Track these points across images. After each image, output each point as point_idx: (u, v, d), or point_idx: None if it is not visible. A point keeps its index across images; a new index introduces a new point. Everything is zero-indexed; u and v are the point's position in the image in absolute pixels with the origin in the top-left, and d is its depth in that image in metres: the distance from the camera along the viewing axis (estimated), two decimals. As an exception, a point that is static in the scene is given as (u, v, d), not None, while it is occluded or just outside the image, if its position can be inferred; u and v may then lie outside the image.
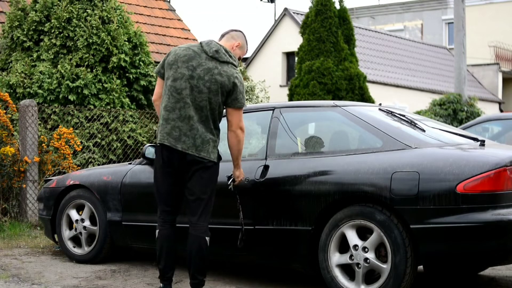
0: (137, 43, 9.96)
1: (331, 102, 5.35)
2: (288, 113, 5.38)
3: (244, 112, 5.67)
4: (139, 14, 14.20)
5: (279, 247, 5.05)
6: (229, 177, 4.98)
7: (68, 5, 9.60)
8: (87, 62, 9.47)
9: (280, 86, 24.29)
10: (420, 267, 5.10)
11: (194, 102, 4.65)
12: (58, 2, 9.68)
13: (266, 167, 5.13)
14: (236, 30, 5.03)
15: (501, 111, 28.72)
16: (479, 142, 4.88)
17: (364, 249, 4.64)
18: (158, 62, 12.58)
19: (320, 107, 5.50)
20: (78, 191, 6.24)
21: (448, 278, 5.73)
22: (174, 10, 15.58)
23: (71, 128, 8.81)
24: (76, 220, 6.20)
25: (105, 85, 9.44)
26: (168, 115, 4.68)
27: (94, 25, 9.52)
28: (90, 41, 9.46)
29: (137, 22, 12.74)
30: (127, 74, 9.77)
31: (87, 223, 6.15)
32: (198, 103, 4.65)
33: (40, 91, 9.20)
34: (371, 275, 4.69)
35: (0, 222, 7.94)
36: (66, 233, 6.28)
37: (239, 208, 5.01)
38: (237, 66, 4.81)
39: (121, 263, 6.09)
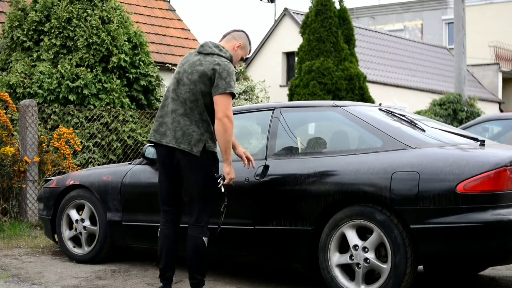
0: (137, 43, 9.97)
1: (331, 102, 5.35)
2: (288, 113, 5.38)
3: (244, 112, 5.71)
4: (139, 14, 14.20)
5: (279, 247, 5.05)
6: (218, 176, 4.77)
7: (68, 5, 9.60)
8: (87, 62, 9.47)
9: (280, 86, 24.29)
10: (420, 267, 5.10)
11: (179, 95, 4.71)
12: (58, 2, 9.68)
13: (266, 167, 5.13)
14: (238, 31, 5.02)
15: (501, 111, 28.72)
16: (479, 142, 4.88)
17: (364, 249, 4.64)
18: (158, 62, 12.62)
19: (320, 107, 5.50)
20: (78, 191, 6.24)
21: (448, 278, 5.73)
22: (174, 10, 15.58)
23: (71, 128, 8.81)
24: (76, 220, 6.20)
25: (105, 85, 9.44)
26: (158, 113, 4.84)
27: (94, 25, 9.52)
28: (90, 41, 9.46)
29: (137, 22, 12.75)
30: (127, 74, 9.77)
31: (87, 223, 6.15)
32: (182, 96, 4.69)
33: (40, 91, 9.20)
34: (371, 275, 4.69)
35: (0, 222, 7.94)
36: (66, 233, 6.28)
37: (223, 210, 4.82)
38: (224, 57, 4.75)
39: (121, 263, 6.09)
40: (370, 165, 4.70)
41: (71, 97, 9.25)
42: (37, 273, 5.65)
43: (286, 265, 5.32)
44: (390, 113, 5.27)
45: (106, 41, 9.50)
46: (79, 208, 6.25)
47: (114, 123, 9.38)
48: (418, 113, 16.38)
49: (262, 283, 5.42)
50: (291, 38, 23.23)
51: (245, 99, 14.14)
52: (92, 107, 9.34)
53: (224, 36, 4.99)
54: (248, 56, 5.31)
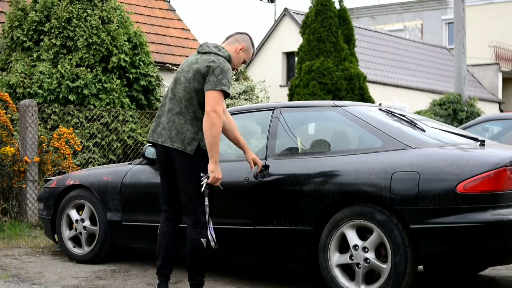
0: (137, 43, 9.97)
1: (331, 102, 5.35)
2: (288, 113, 5.38)
3: (244, 112, 5.71)
4: (139, 14, 14.21)
5: (279, 247, 5.05)
6: (204, 174, 4.62)
7: (68, 5, 9.60)
8: (87, 62, 9.47)
9: (280, 86, 24.29)
10: (420, 267, 5.10)
11: (176, 94, 4.73)
12: (58, 2, 9.68)
13: (266, 167, 5.13)
14: (241, 33, 5.00)
15: (501, 111, 28.73)
16: (479, 142, 4.88)
17: (364, 249, 4.64)
18: (158, 62, 12.62)
19: (320, 107, 5.50)
20: (78, 191, 6.24)
21: (448, 278, 5.73)
22: (174, 10, 15.58)
23: (71, 128, 8.81)
24: (76, 220, 6.20)
25: (105, 85, 9.44)
26: (156, 114, 4.87)
27: (94, 25, 9.53)
28: (90, 41, 9.46)
29: (137, 22, 12.75)
30: (127, 74, 9.77)
31: (87, 223, 6.15)
32: (178, 95, 4.71)
33: (40, 91, 9.20)
34: (371, 275, 4.69)
35: (0, 222, 7.94)
36: (66, 233, 6.28)
37: (207, 208, 4.67)
38: (221, 56, 4.73)
39: (121, 263, 6.09)
40: (370, 165, 4.70)
41: (71, 97, 9.25)
42: (37, 273, 5.65)
43: (286, 265, 5.32)
44: (390, 113, 5.27)
45: (106, 41, 9.50)
46: (79, 208, 6.25)
47: (114, 123, 9.38)
48: (418, 113, 16.38)
49: (262, 283, 5.42)
50: (291, 38, 23.23)
51: (245, 99, 14.14)
52: (92, 107, 9.34)
53: (227, 38, 4.98)
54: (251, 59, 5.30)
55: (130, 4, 14.10)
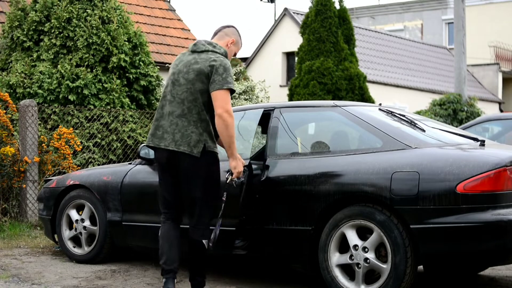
0: (137, 43, 9.97)
1: (331, 102, 5.35)
2: (288, 113, 5.38)
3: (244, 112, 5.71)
4: (139, 14, 14.21)
5: (279, 247, 5.05)
6: (226, 171, 4.77)
7: (68, 5, 9.60)
8: (87, 62, 9.47)
9: (280, 86, 24.30)
10: (420, 267, 5.10)
11: (175, 96, 4.63)
12: (58, 2, 9.68)
13: (266, 167, 5.13)
14: (228, 27, 4.95)
15: (501, 111, 28.73)
16: (479, 142, 4.88)
17: (364, 249, 4.64)
18: (158, 62, 12.62)
19: (320, 107, 5.50)
20: (78, 191, 6.24)
21: (448, 278, 5.73)
22: (174, 10, 15.58)
23: (71, 128, 8.81)
24: (76, 220, 6.20)
25: (105, 85, 9.44)
26: (155, 117, 4.76)
27: (94, 25, 9.52)
28: (90, 41, 9.46)
29: (137, 22, 12.75)
30: (127, 74, 9.77)
31: (87, 223, 6.15)
32: (179, 97, 4.62)
33: (40, 91, 9.20)
34: (371, 275, 4.69)
35: (0, 222, 7.94)
36: (66, 233, 6.28)
37: (222, 206, 4.80)
38: (219, 53, 4.71)
39: (121, 263, 6.09)
40: (370, 165, 4.70)
41: (71, 97, 9.25)
42: (37, 273, 5.65)
43: (286, 265, 5.32)
44: (390, 113, 5.27)
45: (106, 41, 9.50)
46: (79, 208, 6.25)
47: (114, 123, 9.38)
48: (418, 113, 16.37)
49: (262, 283, 5.42)
50: (291, 38, 23.23)
51: (245, 99, 14.14)
52: (92, 107, 9.34)
53: (216, 34, 4.92)
54: (245, 56, 5.29)
55: (130, 4, 14.10)
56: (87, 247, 6.15)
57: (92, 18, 9.55)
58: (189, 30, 15.36)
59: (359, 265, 4.66)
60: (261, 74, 22.73)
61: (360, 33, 25.59)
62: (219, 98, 4.56)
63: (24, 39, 9.61)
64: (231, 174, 4.74)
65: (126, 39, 9.82)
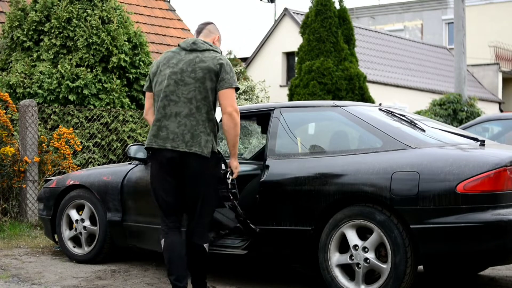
0: (137, 43, 9.96)
1: (331, 102, 5.35)
2: (288, 113, 5.38)
3: (244, 112, 5.71)
4: (139, 14, 14.20)
5: (279, 247, 5.05)
6: (226, 171, 4.77)
7: (68, 5, 9.60)
8: (87, 62, 9.47)
9: (280, 86, 24.30)
10: (420, 267, 5.10)
11: (181, 96, 4.52)
12: (58, 2, 9.68)
13: (266, 167, 5.13)
14: (209, 23, 4.89)
15: (501, 111, 28.73)
16: (479, 142, 4.88)
17: (364, 249, 4.64)
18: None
19: (320, 107, 5.50)
20: (78, 191, 6.24)
21: (448, 278, 5.73)
22: (174, 10, 15.58)
23: (71, 128, 8.81)
24: (76, 220, 6.20)
25: (105, 85, 9.44)
26: (155, 117, 4.59)
27: (94, 25, 9.52)
28: (90, 41, 9.46)
29: (137, 22, 12.74)
30: (127, 74, 9.77)
31: (87, 223, 6.15)
32: (185, 96, 4.51)
33: (40, 91, 9.20)
34: (371, 275, 4.69)
35: (0, 222, 7.94)
36: (66, 233, 6.28)
37: (235, 203, 4.86)
38: (219, 52, 4.69)
39: (121, 263, 6.09)
40: (370, 165, 4.70)
41: (71, 97, 9.25)
42: (37, 273, 5.65)
43: (286, 265, 5.32)
44: (390, 113, 5.27)
45: (106, 41, 9.50)
46: (79, 208, 6.25)
47: (114, 123, 9.38)
48: (418, 113, 16.37)
49: (262, 283, 5.42)
50: (291, 38, 23.24)
51: (245, 99, 14.14)
52: (92, 107, 9.34)
53: (200, 32, 4.82)
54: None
55: (130, 4, 14.09)
56: (87, 247, 6.14)
57: (92, 18, 9.55)
58: (189, 30, 15.35)
59: (359, 265, 4.66)
60: (261, 74, 22.74)
61: (360, 33, 25.59)
62: (229, 97, 4.54)
63: (24, 39, 9.61)
64: (232, 173, 4.76)
65: (126, 39, 9.82)
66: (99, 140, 9.31)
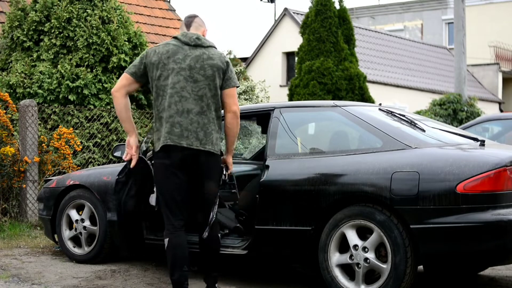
0: (137, 43, 9.97)
1: (331, 102, 5.35)
2: (288, 113, 5.38)
3: (244, 112, 5.71)
4: (139, 14, 14.19)
5: (279, 247, 5.05)
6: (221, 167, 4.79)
7: (68, 5, 9.60)
8: (87, 62, 9.48)
9: (280, 86, 24.30)
10: (420, 267, 5.10)
11: (191, 93, 4.50)
12: (58, 2, 9.68)
13: (266, 167, 5.13)
14: (195, 16, 4.84)
15: (501, 111, 28.73)
16: (479, 142, 4.88)
17: (364, 249, 4.64)
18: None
19: (320, 107, 5.50)
20: (78, 191, 6.24)
21: (448, 278, 5.73)
22: (174, 10, 15.57)
23: (71, 128, 8.81)
24: (76, 220, 6.20)
25: (105, 85, 9.44)
26: (164, 114, 4.54)
27: (94, 25, 9.53)
28: (90, 41, 9.46)
29: (137, 22, 12.74)
30: (127, 74, 9.76)
31: (87, 223, 6.15)
32: (197, 93, 4.51)
33: (40, 91, 9.20)
34: (371, 275, 4.69)
35: (0, 222, 7.94)
36: (66, 233, 6.28)
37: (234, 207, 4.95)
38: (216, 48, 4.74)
39: (121, 263, 6.09)
40: (370, 165, 4.70)
41: (71, 97, 9.25)
42: (37, 273, 5.65)
43: (286, 265, 5.32)
44: (390, 113, 5.27)
45: (106, 41, 9.50)
46: (79, 208, 6.25)
47: (114, 123, 9.38)
48: (418, 113, 16.37)
49: (262, 283, 5.42)
50: (291, 38, 23.23)
51: (245, 99, 14.14)
52: (92, 107, 9.34)
53: (190, 25, 4.76)
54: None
55: (130, 4, 14.09)
56: (87, 247, 6.14)
57: (92, 18, 9.55)
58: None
59: (359, 265, 4.66)
60: (261, 74, 22.73)
61: (360, 33, 25.59)
62: (234, 95, 4.64)
63: (24, 39, 9.61)
64: (227, 169, 4.83)
65: (126, 39, 9.82)
66: (99, 140, 9.31)
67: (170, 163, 4.52)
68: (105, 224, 5.98)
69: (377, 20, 34.83)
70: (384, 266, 4.58)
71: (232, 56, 25.55)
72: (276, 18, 26.19)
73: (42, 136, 8.54)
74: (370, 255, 4.63)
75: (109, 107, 9.43)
